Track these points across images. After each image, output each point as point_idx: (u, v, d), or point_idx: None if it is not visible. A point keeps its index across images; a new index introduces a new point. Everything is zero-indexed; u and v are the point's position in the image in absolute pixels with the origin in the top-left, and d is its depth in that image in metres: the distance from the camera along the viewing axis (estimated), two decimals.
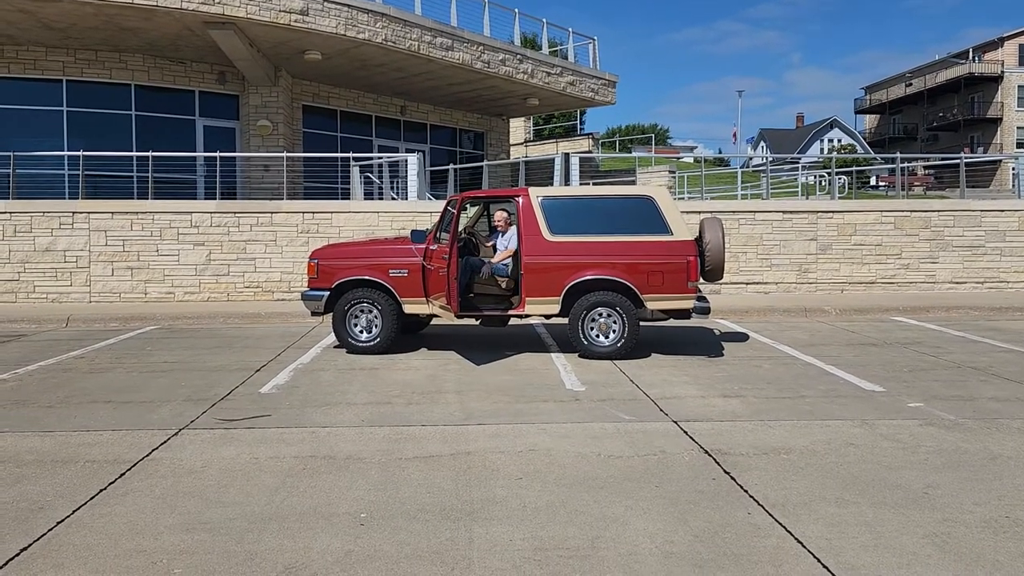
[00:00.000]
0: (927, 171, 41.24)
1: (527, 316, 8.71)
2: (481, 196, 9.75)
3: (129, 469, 4.77)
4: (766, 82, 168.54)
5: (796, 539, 3.71)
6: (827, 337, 9.91)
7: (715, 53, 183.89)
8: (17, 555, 3.55)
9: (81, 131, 17.57)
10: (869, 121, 77.12)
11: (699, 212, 13.57)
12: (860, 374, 7.53)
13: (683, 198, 21.24)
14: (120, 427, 5.75)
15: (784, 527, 3.85)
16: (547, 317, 8.79)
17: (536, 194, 8.61)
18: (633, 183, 20.54)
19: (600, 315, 8.34)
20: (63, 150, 16.69)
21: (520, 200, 8.57)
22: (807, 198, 21.95)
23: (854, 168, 24.21)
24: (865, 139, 75.37)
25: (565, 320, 8.55)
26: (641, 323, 8.56)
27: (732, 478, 4.57)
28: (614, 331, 8.34)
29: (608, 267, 8.32)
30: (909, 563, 3.45)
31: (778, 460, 4.90)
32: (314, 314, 9.17)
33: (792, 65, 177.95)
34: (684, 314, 8.55)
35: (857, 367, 7.89)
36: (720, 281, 9.74)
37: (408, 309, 8.77)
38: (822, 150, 76.22)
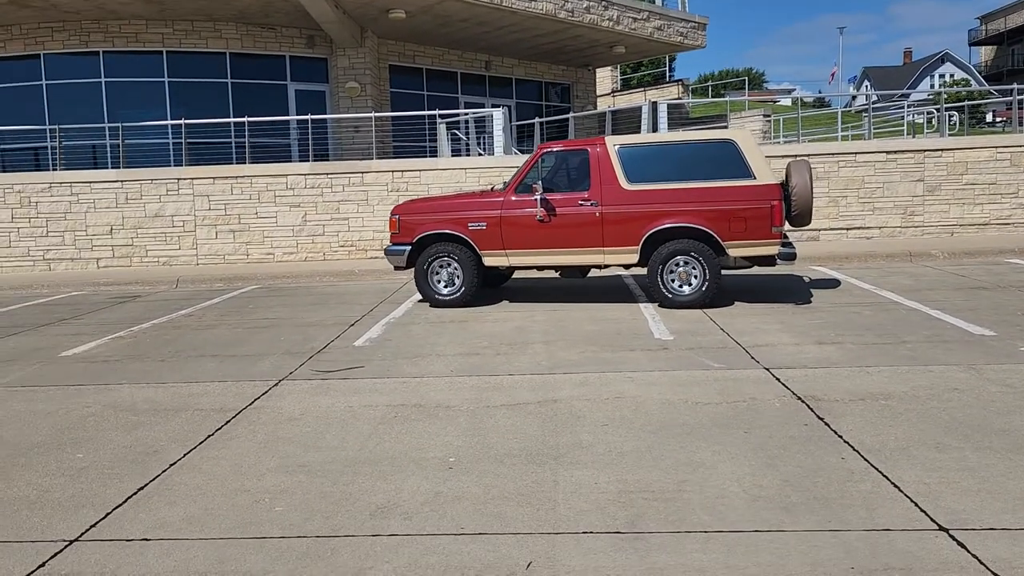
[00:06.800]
0: None
1: (606, 266, 8.64)
2: (558, 149, 9.65)
3: (234, 417, 5.04)
4: (869, 17, 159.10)
5: (892, 483, 3.59)
6: (933, 282, 9.42)
7: None
8: (135, 493, 3.82)
9: (182, 100, 18.29)
10: (985, 53, 71.80)
11: (795, 156, 13.03)
12: (968, 318, 7.14)
13: (779, 142, 20.42)
14: (225, 379, 6.07)
15: (880, 471, 3.73)
16: (626, 267, 8.69)
17: (613, 143, 8.47)
18: (725, 129, 19.86)
19: (679, 264, 8.18)
20: (166, 119, 17.44)
21: (597, 149, 8.45)
22: (914, 137, 20.74)
23: (967, 103, 22.56)
24: (981, 73, 70.33)
25: (645, 270, 8.45)
26: (723, 271, 8.35)
27: (826, 424, 4.44)
28: (695, 279, 8.18)
29: (688, 214, 8.12)
30: (1014, 508, 3.29)
31: (875, 406, 4.73)
32: (397, 268, 9.30)
33: None
34: (769, 261, 8.28)
35: (965, 311, 7.49)
36: (819, 227, 9.35)
37: (488, 261, 8.82)
38: (932, 86, 71.69)
